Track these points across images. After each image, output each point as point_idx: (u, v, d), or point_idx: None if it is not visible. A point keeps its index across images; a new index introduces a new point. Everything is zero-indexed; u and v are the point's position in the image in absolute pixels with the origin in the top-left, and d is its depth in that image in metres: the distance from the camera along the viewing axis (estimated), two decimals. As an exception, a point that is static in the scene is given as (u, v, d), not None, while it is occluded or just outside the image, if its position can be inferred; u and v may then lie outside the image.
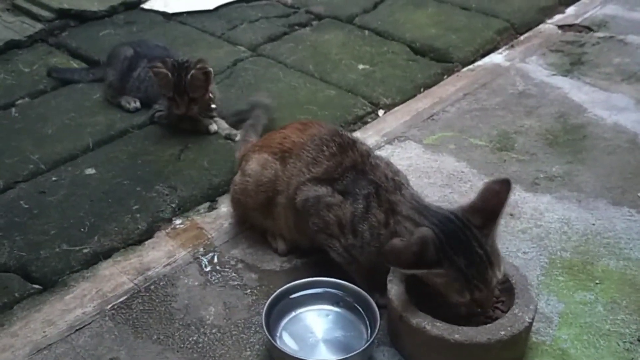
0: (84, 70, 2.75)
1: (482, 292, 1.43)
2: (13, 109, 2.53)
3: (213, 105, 2.38)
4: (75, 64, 2.84)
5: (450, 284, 1.41)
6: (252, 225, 1.91)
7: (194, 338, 1.60)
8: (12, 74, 2.75)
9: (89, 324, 1.63)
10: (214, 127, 2.36)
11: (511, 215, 1.96)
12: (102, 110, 2.50)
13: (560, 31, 3.10)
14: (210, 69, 2.27)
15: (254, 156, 1.82)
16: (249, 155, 1.87)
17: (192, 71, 2.24)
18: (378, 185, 1.59)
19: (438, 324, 1.42)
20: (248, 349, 1.57)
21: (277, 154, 1.76)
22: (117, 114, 2.47)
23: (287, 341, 1.55)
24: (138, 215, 1.97)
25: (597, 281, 1.72)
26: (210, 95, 2.34)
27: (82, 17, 3.20)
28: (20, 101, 2.59)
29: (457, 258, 1.40)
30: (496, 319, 1.48)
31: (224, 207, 2.02)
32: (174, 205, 2.02)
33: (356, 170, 1.63)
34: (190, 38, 3.01)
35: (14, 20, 3.14)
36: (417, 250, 1.39)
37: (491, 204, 1.45)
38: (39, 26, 3.09)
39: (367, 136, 2.34)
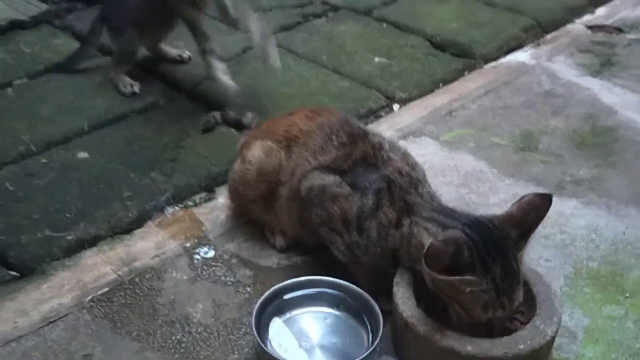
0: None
1: (504, 312, 1.26)
2: (9, 89, 2.41)
3: None
4: (77, 46, 2.70)
5: (478, 296, 1.23)
6: (250, 219, 1.76)
7: (178, 337, 1.45)
8: (12, 54, 2.63)
9: (65, 316, 1.49)
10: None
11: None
12: (102, 93, 2.37)
13: (589, 32, 2.92)
14: None
15: (256, 142, 1.67)
16: (250, 141, 1.72)
17: None
18: (391, 180, 1.44)
19: (449, 334, 1.26)
20: (236, 352, 1.42)
21: (282, 142, 1.62)
22: (117, 97, 2.34)
23: (278, 345, 1.39)
24: (129, 202, 1.84)
25: (628, 295, 1.55)
26: None
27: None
28: (18, 81, 2.47)
29: (494, 266, 1.23)
30: (515, 330, 1.31)
31: (222, 198, 1.88)
32: (168, 194, 1.88)
33: (367, 163, 1.48)
34: (199, 24, 2.88)
35: (19, 0, 3.03)
36: (454, 251, 1.22)
37: (529, 217, 1.29)
38: (44, 7, 2.97)
39: (381, 130, 2.15)
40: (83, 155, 2.05)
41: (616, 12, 3.08)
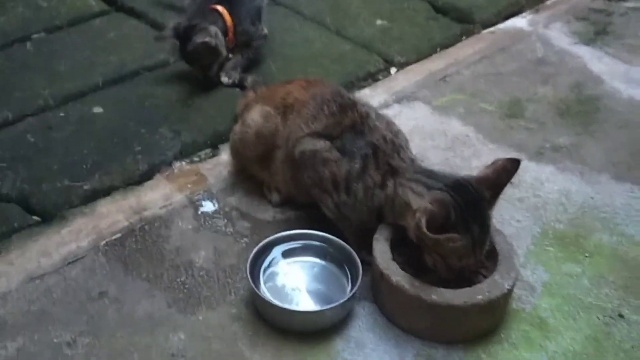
0: None
1: (475, 259, 1.45)
2: (28, 43, 2.55)
3: None
4: (93, 2, 2.82)
5: (457, 249, 1.42)
6: (249, 175, 1.93)
7: (182, 279, 1.64)
8: (30, 8, 2.75)
9: (82, 258, 1.68)
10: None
11: (511, 183, 1.92)
12: (116, 49, 2.50)
13: (589, -2, 2.99)
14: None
15: (256, 107, 1.83)
16: (250, 105, 1.87)
17: None
18: (376, 147, 1.60)
19: (417, 284, 1.43)
20: (233, 294, 1.60)
21: (279, 108, 1.77)
22: (130, 55, 2.47)
23: (270, 290, 1.58)
24: (140, 156, 2.00)
25: (587, 254, 1.71)
26: None
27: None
28: (36, 35, 2.60)
29: (473, 224, 1.42)
30: (478, 283, 1.49)
31: (225, 154, 2.03)
32: (175, 149, 2.04)
33: (355, 130, 1.64)
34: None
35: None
36: (444, 213, 1.40)
37: (501, 179, 1.49)
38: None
39: (376, 94, 2.32)
40: (98, 110, 2.20)
41: (618, -22, 3.14)
